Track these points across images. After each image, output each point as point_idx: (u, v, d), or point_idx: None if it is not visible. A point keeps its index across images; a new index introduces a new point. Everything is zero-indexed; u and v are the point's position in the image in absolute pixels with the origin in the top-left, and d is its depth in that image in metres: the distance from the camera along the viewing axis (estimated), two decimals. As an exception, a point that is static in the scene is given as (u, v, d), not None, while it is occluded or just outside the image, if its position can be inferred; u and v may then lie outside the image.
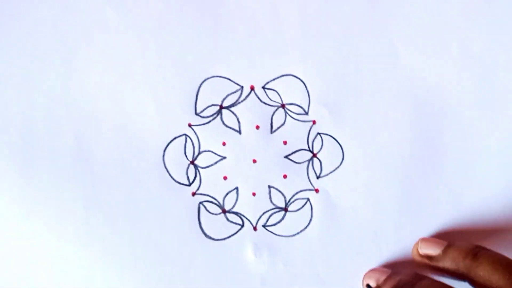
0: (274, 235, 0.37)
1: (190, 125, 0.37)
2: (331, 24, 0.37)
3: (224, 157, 0.37)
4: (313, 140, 0.37)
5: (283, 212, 0.37)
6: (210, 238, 0.37)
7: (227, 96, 0.37)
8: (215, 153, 0.37)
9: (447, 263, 0.34)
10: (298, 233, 0.37)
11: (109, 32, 0.37)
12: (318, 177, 0.37)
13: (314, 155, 0.37)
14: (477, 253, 0.33)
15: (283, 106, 0.37)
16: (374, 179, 0.37)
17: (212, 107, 0.37)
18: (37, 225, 0.37)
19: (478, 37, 0.37)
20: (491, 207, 0.37)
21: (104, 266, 0.37)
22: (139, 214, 0.37)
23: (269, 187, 0.37)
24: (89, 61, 0.37)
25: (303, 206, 0.37)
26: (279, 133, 0.37)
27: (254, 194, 0.37)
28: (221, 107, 0.37)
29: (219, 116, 0.37)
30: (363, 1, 0.37)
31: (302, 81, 0.37)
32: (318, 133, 0.37)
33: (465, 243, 0.35)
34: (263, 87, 0.37)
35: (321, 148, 0.37)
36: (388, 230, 0.37)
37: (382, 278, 0.35)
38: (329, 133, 0.37)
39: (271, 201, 0.37)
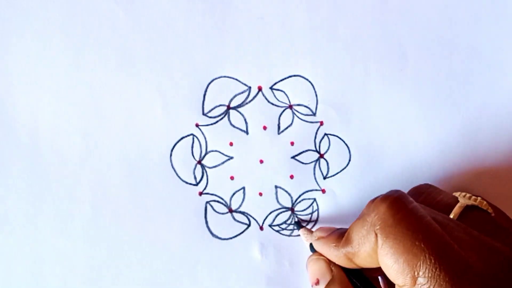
0: (281, 235, 0.38)
1: (197, 125, 0.37)
2: (339, 25, 0.37)
3: (231, 157, 0.37)
4: (320, 141, 0.37)
5: (289, 212, 0.38)
6: (217, 237, 0.37)
7: (234, 97, 0.37)
8: (222, 153, 0.37)
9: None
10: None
11: (117, 32, 0.37)
12: (325, 178, 0.38)
13: (321, 156, 0.37)
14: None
15: (290, 106, 0.37)
16: (381, 180, 0.37)
17: (220, 107, 0.37)
18: (45, 224, 0.37)
19: (486, 39, 0.37)
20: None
21: (111, 265, 0.37)
22: (146, 213, 0.37)
23: (276, 187, 0.37)
24: (97, 60, 0.37)
25: (309, 206, 0.38)
26: (287, 133, 0.37)
27: (260, 194, 0.38)
28: (229, 108, 0.37)
29: (226, 116, 0.37)
30: (372, 2, 0.37)
31: (310, 82, 0.37)
32: (325, 134, 0.37)
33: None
34: (271, 88, 0.37)
35: (328, 148, 0.37)
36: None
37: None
38: (336, 134, 0.37)
39: (278, 201, 0.38)
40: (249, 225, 0.38)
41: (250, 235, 0.38)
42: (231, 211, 0.38)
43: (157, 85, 0.37)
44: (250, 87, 0.37)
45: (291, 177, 0.37)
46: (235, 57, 0.37)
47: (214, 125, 0.37)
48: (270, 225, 0.38)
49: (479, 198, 0.32)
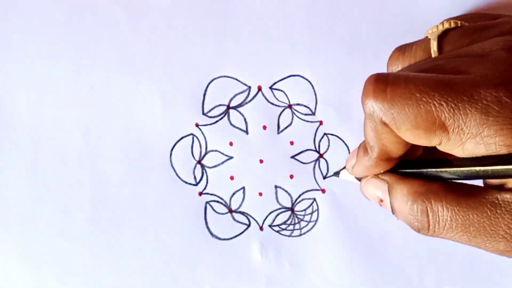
0: (281, 235, 0.37)
1: (197, 125, 0.37)
2: (339, 25, 0.37)
3: (231, 157, 0.37)
4: (320, 141, 0.37)
5: (289, 212, 0.38)
6: (217, 237, 0.37)
7: (234, 96, 0.37)
8: (222, 153, 0.37)
9: None
10: (304, 233, 0.37)
11: (118, 32, 0.37)
12: (324, 177, 0.37)
13: (321, 156, 0.37)
14: None
15: (290, 106, 0.37)
16: (381, 179, 0.37)
17: (220, 107, 0.37)
18: (45, 223, 0.37)
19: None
20: None
21: (110, 265, 0.37)
22: (146, 213, 0.37)
23: (276, 187, 0.37)
24: (97, 60, 0.37)
25: (309, 206, 0.38)
26: (286, 133, 0.37)
27: (260, 194, 0.38)
28: (229, 107, 0.37)
29: (226, 116, 0.37)
30: (370, 2, 0.37)
31: (309, 81, 0.37)
32: (325, 134, 0.37)
33: None
34: (271, 88, 0.37)
35: (327, 148, 0.37)
36: (394, 230, 0.37)
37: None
38: (335, 134, 0.37)
39: (278, 201, 0.38)
40: (249, 225, 0.38)
41: (250, 235, 0.38)
42: (231, 211, 0.38)
43: (157, 85, 0.37)
44: (249, 87, 0.37)
45: (291, 176, 0.37)
46: (235, 57, 0.37)
47: (214, 124, 0.37)
48: (270, 225, 0.38)
49: (444, 21, 0.30)
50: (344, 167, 0.35)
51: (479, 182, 0.26)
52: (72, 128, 0.37)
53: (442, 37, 0.30)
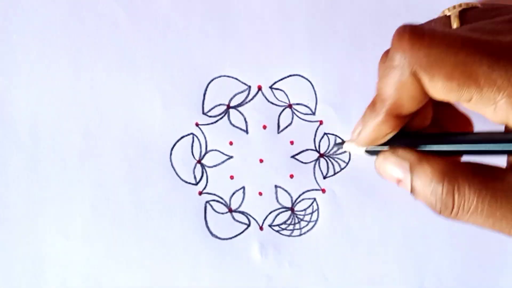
0: (280, 235, 0.37)
1: (197, 125, 0.37)
2: (338, 25, 0.37)
3: (231, 157, 0.37)
4: (320, 140, 0.37)
5: (289, 212, 0.38)
6: (216, 237, 0.37)
7: (234, 96, 0.37)
8: (222, 153, 0.37)
9: None
10: (304, 233, 0.37)
11: (118, 32, 0.37)
12: (324, 177, 0.37)
13: (321, 155, 0.37)
14: None
15: (290, 106, 0.37)
16: (380, 179, 0.37)
17: (220, 106, 0.37)
18: (45, 222, 0.37)
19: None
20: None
21: (110, 264, 0.37)
22: (146, 212, 0.37)
23: (276, 186, 0.37)
24: (97, 60, 0.37)
25: (309, 206, 0.38)
26: (286, 133, 0.37)
27: (260, 194, 0.38)
28: (229, 107, 0.37)
29: (226, 115, 0.37)
30: (370, 2, 0.37)
31: (309, 81, 0.37)
32: (325, 133, 0.37)
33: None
34: (271, 87, 0.37)
35: (327, 148, 0.37)
36: (394, 230, 0.37)
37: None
38: (335, 134, 0.37)
39: (278, 201, 0.38)
40: (248, 225, 0.38)
41: (250, 235, 0.38)
42: (230, 210, 0.38)
43: (157, 85, 0.37)
44: (250, 86, 0.37)
45: (291, 176, 0.37)
46: (235, 56, 0.37)
47: (214, 124, 0.37)
48: (270, 225, 0.38)
49: (459, 3, 0.29)
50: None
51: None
52: (72, 127, 0.37)
53: (460, 16, 0.28)
